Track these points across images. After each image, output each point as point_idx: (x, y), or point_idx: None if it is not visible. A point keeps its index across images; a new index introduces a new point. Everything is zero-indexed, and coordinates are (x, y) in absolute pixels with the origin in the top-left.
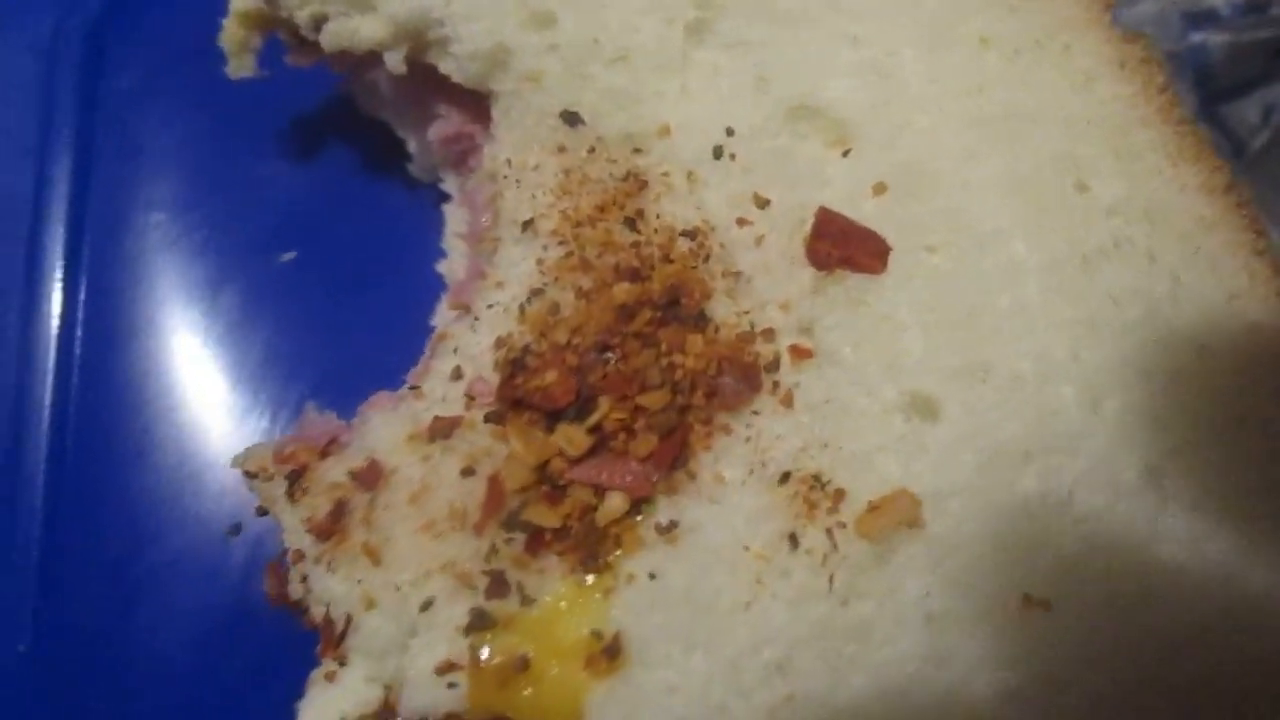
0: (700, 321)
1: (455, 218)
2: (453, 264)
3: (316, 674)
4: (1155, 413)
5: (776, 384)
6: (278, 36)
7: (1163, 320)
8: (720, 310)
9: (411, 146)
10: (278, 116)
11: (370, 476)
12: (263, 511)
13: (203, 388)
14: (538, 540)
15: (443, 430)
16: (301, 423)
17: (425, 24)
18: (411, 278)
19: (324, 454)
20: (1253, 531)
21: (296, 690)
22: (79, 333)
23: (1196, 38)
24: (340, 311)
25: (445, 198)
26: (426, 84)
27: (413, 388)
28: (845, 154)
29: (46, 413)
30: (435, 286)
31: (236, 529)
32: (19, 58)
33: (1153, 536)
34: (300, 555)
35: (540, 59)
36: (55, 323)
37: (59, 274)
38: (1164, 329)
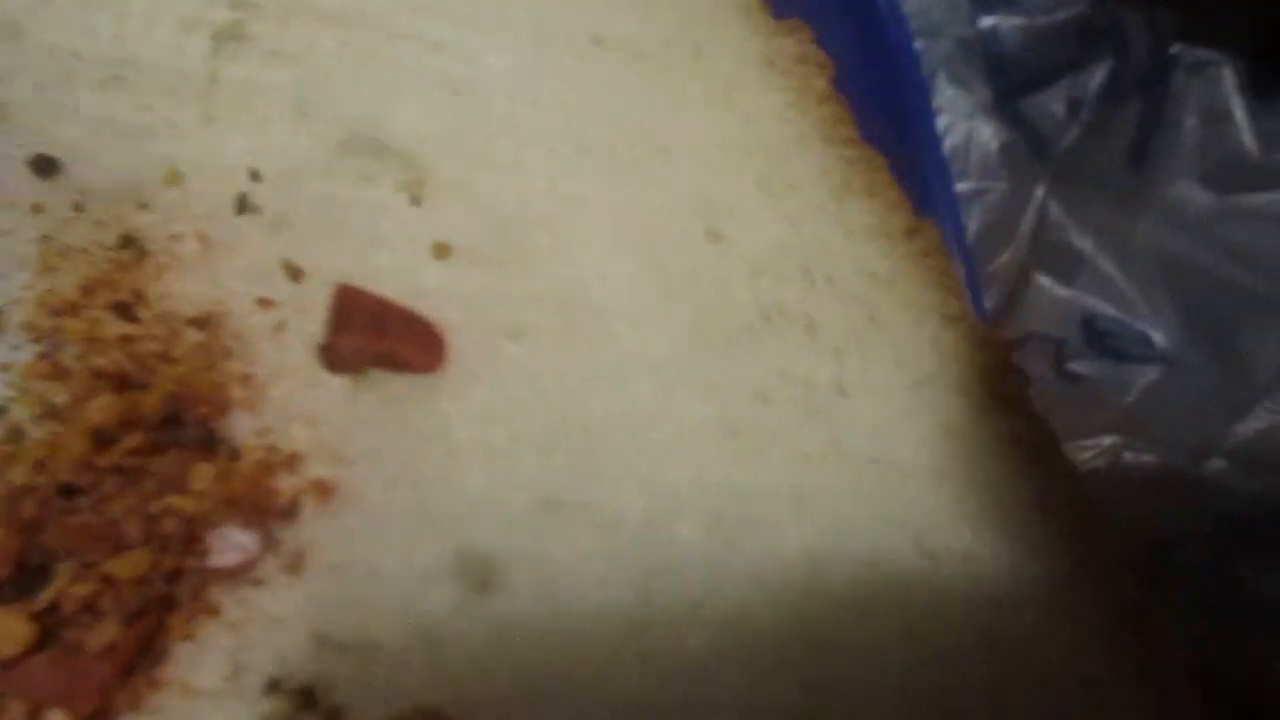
0: (209, 445)
1: None
2: None
3: None
4: (811, 558)
5: (279, 542)
6: None
7: (825, 422)
8: (238, 428)
9: None
10: None
11: None
12: None
13: None
14: None
15: None
16: None
17: None
18: None
19: None
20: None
21: None
22: None
23: (988, 22)
24: None
25: None
26: None
27: None
28: (414, 201)
29: None
30: None
31: None
32: None
33: None
34: None
35: (4, 83)
36: None
37: None
38: (826, 434)
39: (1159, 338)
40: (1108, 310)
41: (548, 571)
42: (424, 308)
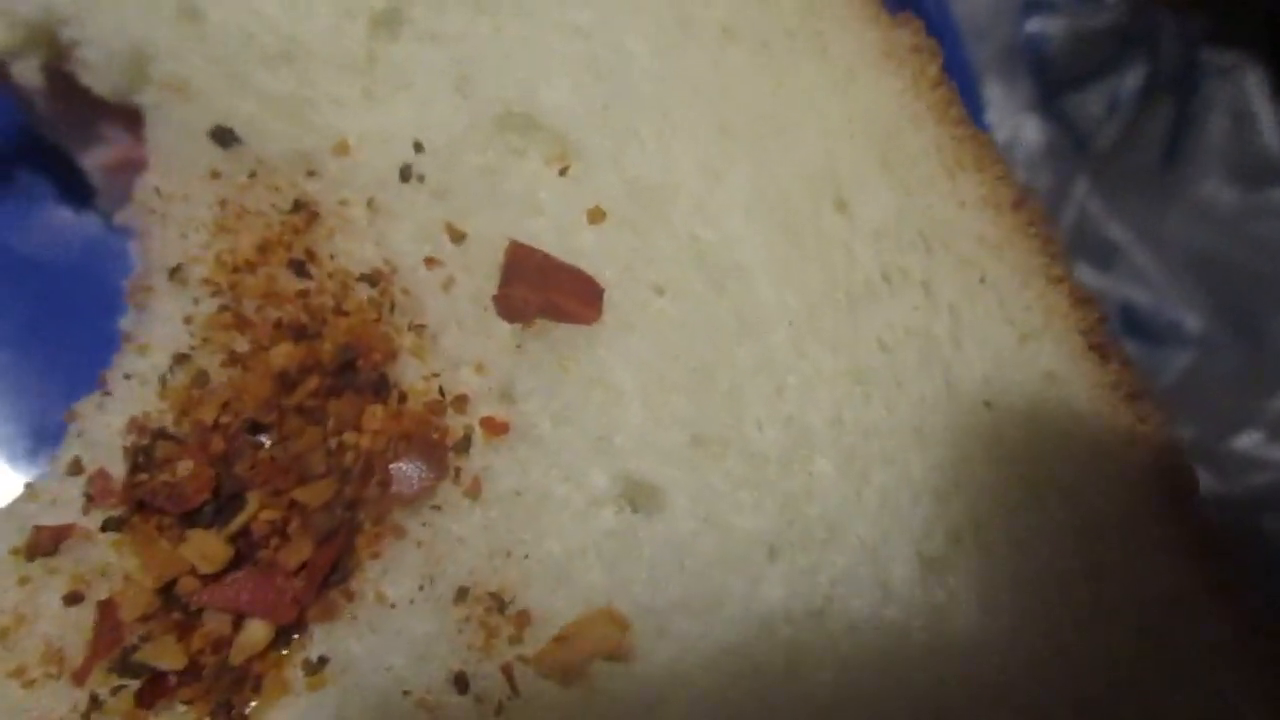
0: (381, 389)
1: (139, 261)
2: (130, 320)
3: None
4: (933, 489)
5: (459, 470)
6: None
7: (942, 369)
8: (406, 374)
9: (92, 175)
10: None
11: None
12: None
13: None
14: (158, 686)
15: (46, 543)
16: None
17: (54, 23)
18: (96, 327)
19: None
20: (1053, 639)
21: None
22: None
23: (1034, 26)
24: (16, 364)
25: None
26: (80, 100)
27: (28, 485)
28: (563, 172)
29: None
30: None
31: None
32: None
33: (931, 649)
34: None
35: (186, 63)
36: None
37: None
38: (944, 380)
39: (1190, 323)
40: (1143, 298)
41: (703, 497)
42: (581, 266)
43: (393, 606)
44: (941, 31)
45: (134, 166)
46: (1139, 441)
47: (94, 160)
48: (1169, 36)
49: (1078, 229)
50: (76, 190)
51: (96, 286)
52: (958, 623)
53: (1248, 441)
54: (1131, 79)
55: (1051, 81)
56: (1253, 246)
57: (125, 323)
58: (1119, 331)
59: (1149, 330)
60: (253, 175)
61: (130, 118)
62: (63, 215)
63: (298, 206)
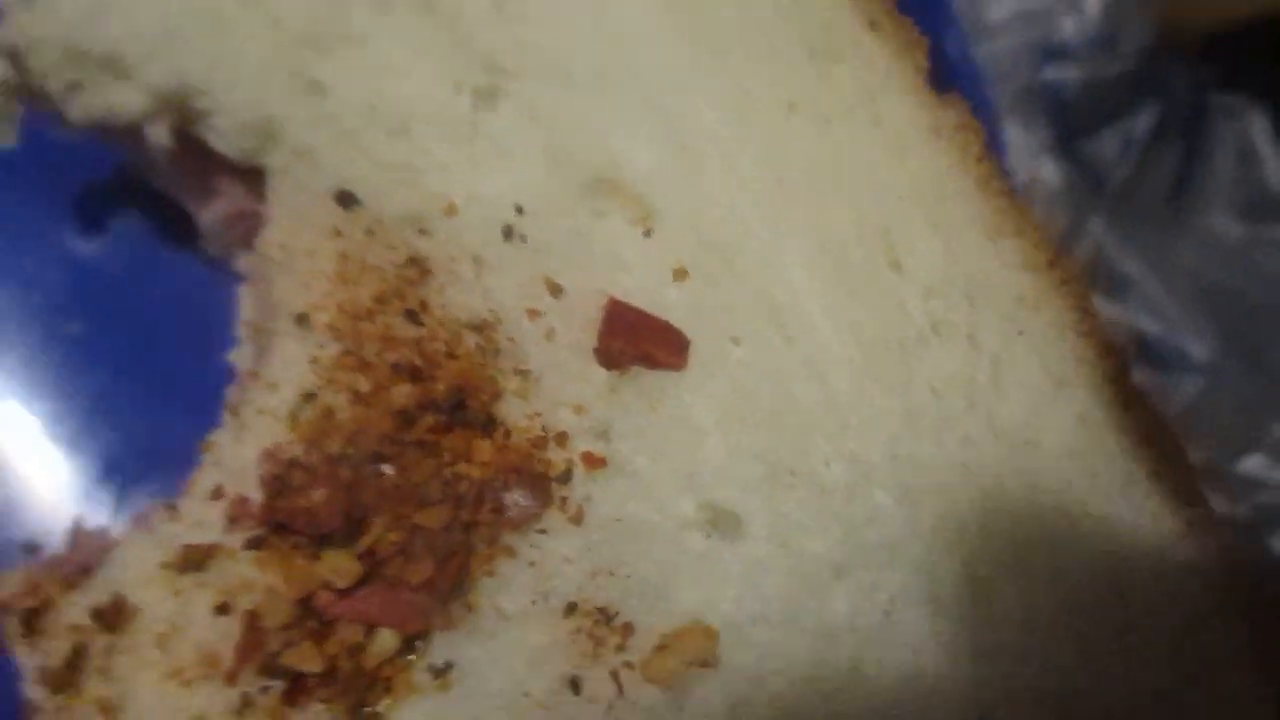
0: (488, 426)
1: (246, 303)
2: (243, 354)
3: None
4: (979, 517)
5: (565, 498)
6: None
7: (986, 412)
8: (511, 413)
9: (200, 222)
10: (69, 180)
11: (113, 616)
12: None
13: None
14: (299, 688)
15: (196, 560)
16: (70, 539)
17: (187, 94)
18: (205, 363)
19: (72, 585)
20: (1087, 649)
21: None
22: None
23: (1051, 72)
24: (128, 398)
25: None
26: (201, 156)
27: (168, 507)
28: (647, 233)
29: None
30: (228, 376)
31: None
32: None
33: (976, 656)
34: (35, 708)
35: (312, 132)
36: None
37: None
38: (987, 422)
39: (1198, 351)
40: (1154, 327)
41: (777, 523)
42: (668, 318)
43: (509, 618)
44: (964, 77)
45: (248, 219)
46: (1163, 476)
47: (211, 213)
48: (1179, 82)
49: (1093, 263)
50: (172, 229)
51: (194, 321)
52: (1001, 634)
53: (1253, 464)
54: (1143, 122)
55: (1068, 125)
56: (1257, 278)
57: (239, 356)
58: (1132, 359)
59: (1159, 358)
60: (370, 233)
61: (249, 176)
62: (159, 253)
63: (411, 262)
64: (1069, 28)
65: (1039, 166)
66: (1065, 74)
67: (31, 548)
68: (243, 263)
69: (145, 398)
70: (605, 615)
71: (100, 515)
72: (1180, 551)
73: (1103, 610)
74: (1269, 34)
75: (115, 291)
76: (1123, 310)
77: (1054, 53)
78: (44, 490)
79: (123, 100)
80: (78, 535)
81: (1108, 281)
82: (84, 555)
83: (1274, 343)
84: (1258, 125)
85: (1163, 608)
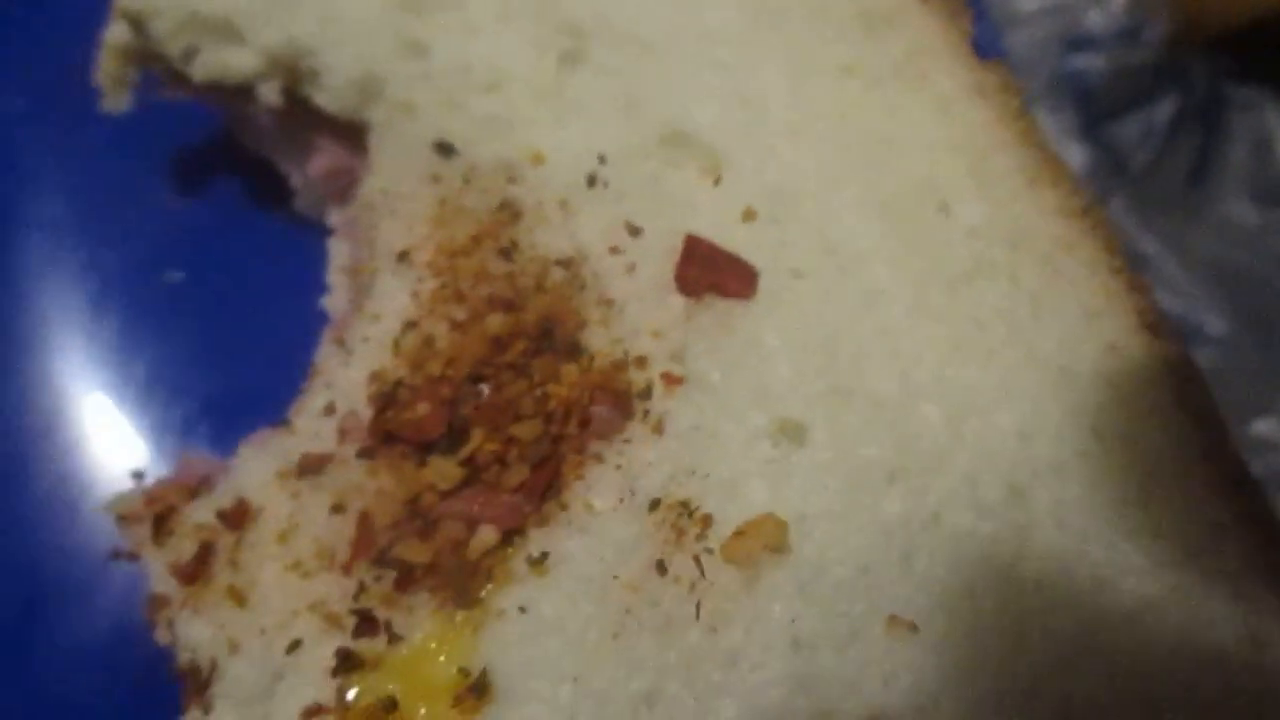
0: (574, 351)
1: (338, 252)
2: (335, 299)
3: None
4: (1019, 432)
5: (647, 411)
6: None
7: (1024, 341)
8: (594, 339)
9: (294, 181)
10: (167, 144)
11: (237, 516)
12: (134, 556)
13: (83, 409)
14: (408, 577)
15: (312, 467)
16: (179, 464)
17: (297, 54)
18: (296, 310)
19: (193, 495)
20: (1119, 547)
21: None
22: None
23: (1078, 62)
24: (225, 339)
25: (329, 232)
26: (304, 116)
27: (284, 423)
28: (716, 181)
29: None
30: (319, 320)
31: (116, 554)
32: None
33: (1018, 555)
34: (165, 600)
35: (413, 88)
36: None
37: None
38: (1026, 350)
39: (1213, 325)
40: (1171, 303)
41: (837, 433)
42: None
43: (599, 514)
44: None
45: (344, 174)
46: (1184, 400)
47: (312, 168)
48: (1198, 73)
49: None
50: (265, 189)
51: (284, 272)
52: (1036, 538)
53: (1264, 427)
54: (1164, 110)
55: (1093, 111)
56: (1269, 258)
57: (331, 301)
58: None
59: (1177, 332)
60: (466, 180)
61: (348, 133)
62: (252, 210)
63: (503, 206)
64: (1094, 20)
65: (1065, 150)
66: (1091, 63)
67: (140, 475)
68: (335, 216)
69: (240, 341)
70: (686, 509)
71: (201, 447)
72: (1200, 465)
73: (1127, 517)
74: None
75: (212, 245)
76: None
77: (1080, 43)
78: (149, 426)
79: (237, 62)
80: (184, 461)
81: (1128, 259)
82: (192, 478)
83: None
84: (1272, 116)
85: (1183, 516)
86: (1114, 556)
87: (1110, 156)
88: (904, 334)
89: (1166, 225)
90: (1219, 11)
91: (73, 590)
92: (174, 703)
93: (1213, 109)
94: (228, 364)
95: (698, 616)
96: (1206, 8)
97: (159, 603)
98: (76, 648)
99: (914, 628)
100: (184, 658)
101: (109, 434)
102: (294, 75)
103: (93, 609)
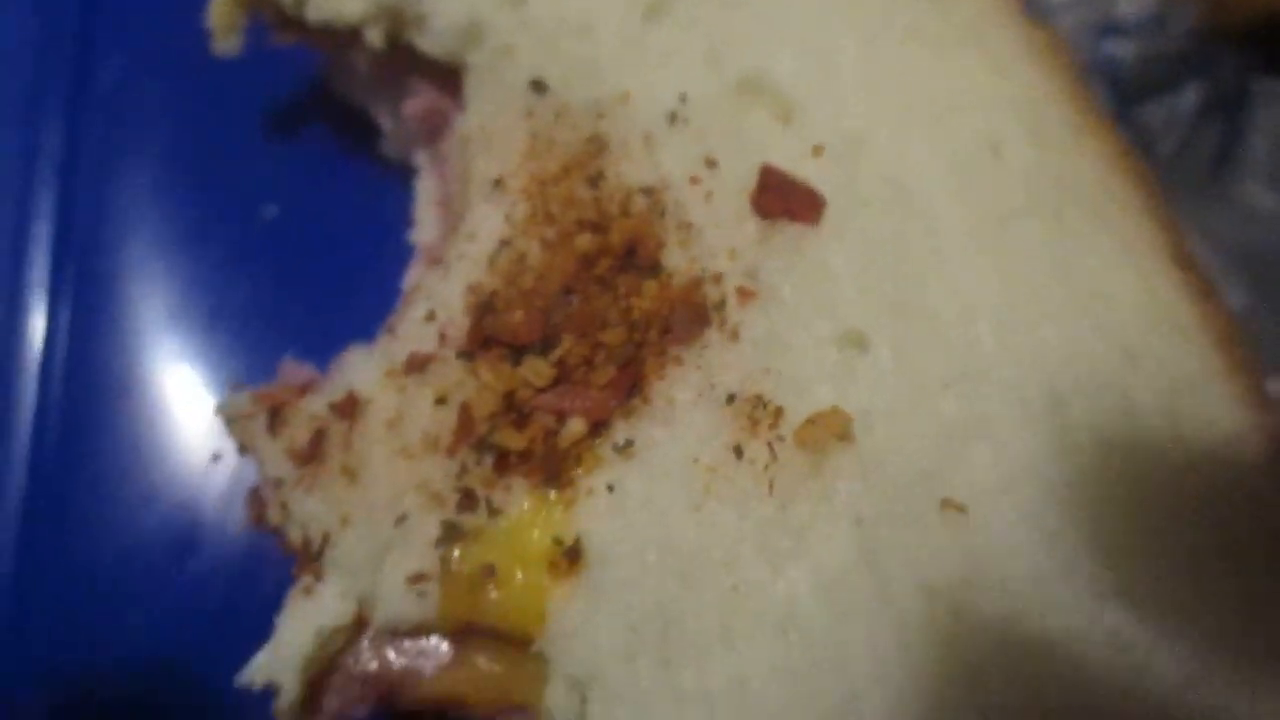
0: (655, 269)
1: (427, 189)
2: (424, 232)
3: (294, 590)
4: (1060, 348)
5: (724, 321)
6: (262, 17)
7: (1065, 271)
8: (673, 259)
9: (385, 124)
10: (265, 90)
11: (348, 407)
12: (244, 450)
13: (185, 331)
14: (505, 462)
15: (417, 365)
16: (280, 372)
17: (406, 1)
18: (384, 244)
19: (303, 393)
20: (1148, 449)
21: (276, 606)
22: (70, 271)
23: (1109, 47)
24: (318, 270)
25: (413, 175)
26: (403, 60)
27: (388, 329)
28: (787, 124)
29: (37, 346)
30: (406, 254)
31: (217, 458)
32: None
33: (1055, 456)
34: (279, 482)
35: (512, 33)
36: (47, 260)
37: (51, 218)
38: (1066, 278)
39: (1234, 300)
40: None
41: (897, 343)
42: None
43: (679, 406)
44: None
45: (437, 116)
46: (1209, 323)
47: (408, 108)
48: (1224, 64)
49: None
50: (357, 138)
51: (372, 209)
52: (1071, 443)
53: (1277, 386)
54: (1190, 97)
55: (1123, 94)
56: None
57: (418, 234)
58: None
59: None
60: (558, 115)
61: (443, 75)
62: (344, 152)
63: (592, 139)
64: (1126, 8)
65: None
66: (1121, 49)
67: (239, 386)
68: (423, 156)
69: (331, 272)
70: (760, 401)
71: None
72: (1235, 417)
73: (1158, 439)
74: None
75: (305, 184)
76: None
77: (1112, 30)
78: (247, 348)
79: (347, 7)
80: (286, 368)
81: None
82: (297, 381)
83: None
84: None
85: (1218, 478)
86: (1145, 454)
87: (1139, 140)
88: (958, 259)
89: (1190, 207)
90: (1244, 6)
91: (177, 489)
92: (267, 593)
93: (1237, 99)
94: (319, 292)
95: (770, 493)
96: (1232, 2)
97: (274, 484)
98: (181, 542)
99: (963, 510)
100: (295, 534)
101: (209, 355)
102: (400, 20)
103: (196, 505)
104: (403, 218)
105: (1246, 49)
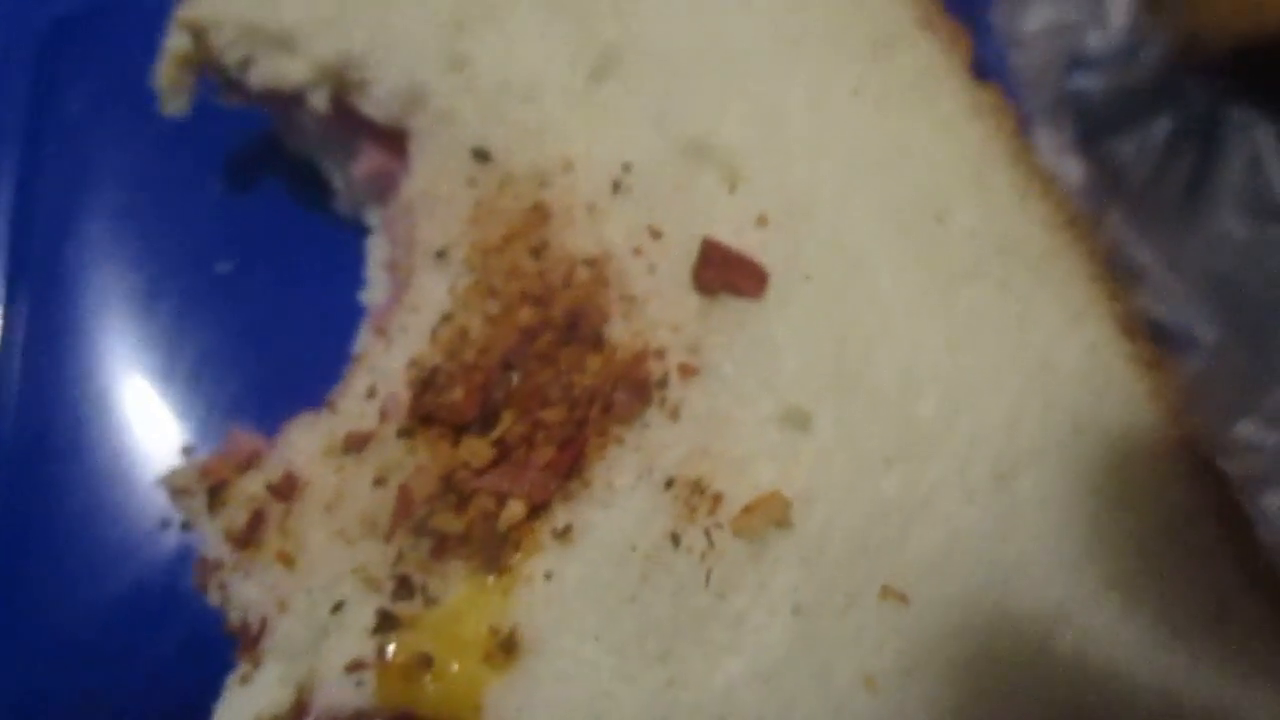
0: (598, 342)
1: (378, 249)
2: (374, 292)
3: (233, 677)
4: (1005, 423)
5: (664, 398)
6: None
7: (1013, 339)
8: (616, 332)
9: (336, 182)
10: (220, 145)
11: (286, 488)
12: (186, 526)
13: (136, 389)
14: (443, 545)
15: (356, 444)
16: (227, 441)
17: (346, 65)
18: (336, 303)
19: (244, 469)
20: (1097, 527)
21: (220, 682)
22: (19, 335)
23: (1078, 80)
24: (269, 328)
25: (368, 231)
26: (349, 122)
27: (328, 405)
28: (733, 190)
29: None
30: (358, 313)
31: (166, 523)
32: None
33: (1002, 535)
34: (218, 564)
35: (454, 97)
36: None
37: (2, 276)
38: (1014, 349)
39: (1205, 334)
40: (1165, 313)
41: (840, 421)
42: (752, 257)
43: (618, 490)
44: (999, 80)
45: (385, 177)
46: (1159, 394)
47: (355, 169)
48: (1195, 94)
49: (1111, 253)
50: (311, 192)
51: (325, 266)
52: (1018, 519)
53: (1247, 429)
54: (1160, 128)
55: (1092, 128)
56: (1260, 272)
57: (369, 295)
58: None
59: (1169, 339)
60: (501, 184)
61: (390, 139)
62: (297, 209)
63: (535, 208)
64: (1095, 40)
65: (1064, 165)
66: (1091, 82)
67: (189, 450)
68: (375, 215)
69: (283, 330)
70: (699, 486)
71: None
72: (1174, 458)
73: (1102, 512)
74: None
75: (259, 239)
76: (1137, 296)
77: (1081, 63)
78: (197, 406)
79: (290, 72)
80: (232, 437)
81: (1124, 270)
82: (241, 453)
83: (1273, 327)
84: (1265, 137)
85: (1153, 505)
86: (1090, 537)
87: (1109, 171)
88: (904, 329)
89: (1162, 237)
90: (1214, 34)
91: (125, 557)
92: (219, 662)
93: (1208, 128)
94: (271, 351)
95: (707, 583)
96: (1203, 30)
97: (211, 567)
98: (127, 607)
99: (904, 599)
100: (235, 617)
101: (159, 413)
102: (343, 84)
103: (144, 574)
104: (358, 274)
105: (1216, 78)
